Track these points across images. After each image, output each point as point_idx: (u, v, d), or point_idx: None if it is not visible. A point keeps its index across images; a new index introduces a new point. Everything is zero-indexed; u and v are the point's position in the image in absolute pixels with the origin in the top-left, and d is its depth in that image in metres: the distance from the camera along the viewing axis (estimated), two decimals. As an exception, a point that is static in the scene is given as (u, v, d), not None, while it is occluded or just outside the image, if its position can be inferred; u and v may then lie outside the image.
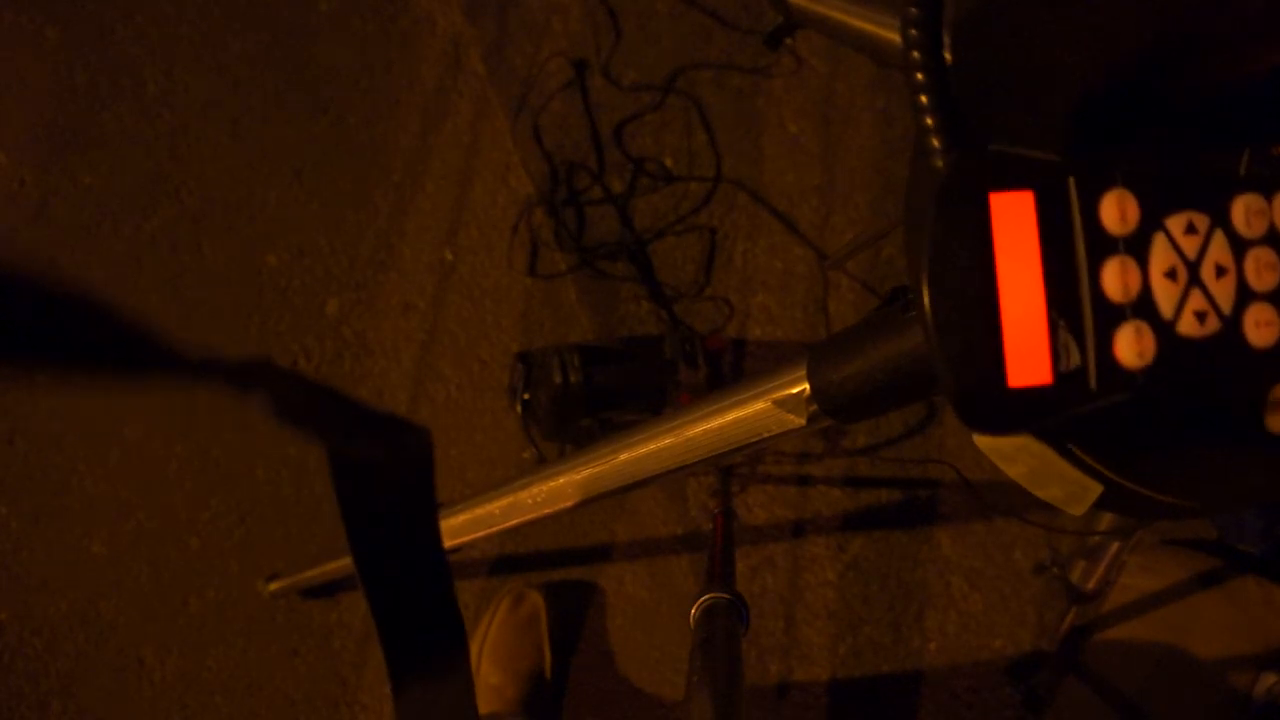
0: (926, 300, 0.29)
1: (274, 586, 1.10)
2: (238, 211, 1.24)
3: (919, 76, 0.29)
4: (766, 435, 0.48)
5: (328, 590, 1.13)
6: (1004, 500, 1.13)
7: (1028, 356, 0.29)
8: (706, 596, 0.65)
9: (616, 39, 1.31)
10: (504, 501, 0.68)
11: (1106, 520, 0.79)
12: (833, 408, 0.43)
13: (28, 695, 1.11)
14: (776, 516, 1.18)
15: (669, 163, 1.27)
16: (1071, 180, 0.29)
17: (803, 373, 0.44)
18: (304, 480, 1.17)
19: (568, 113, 1.28)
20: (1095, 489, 0.33)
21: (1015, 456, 0.34)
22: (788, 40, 1.27)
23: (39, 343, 0.24)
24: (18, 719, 1.11)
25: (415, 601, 0.38)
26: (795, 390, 0.45)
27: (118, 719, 1.12)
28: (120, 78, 1.27)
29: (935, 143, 0.29)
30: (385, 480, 0.36)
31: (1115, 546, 0.84)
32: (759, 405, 0.47)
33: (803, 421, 0.45)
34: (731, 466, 1.17)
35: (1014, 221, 0.28)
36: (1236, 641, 1.03)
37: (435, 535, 0.39)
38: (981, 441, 0.35)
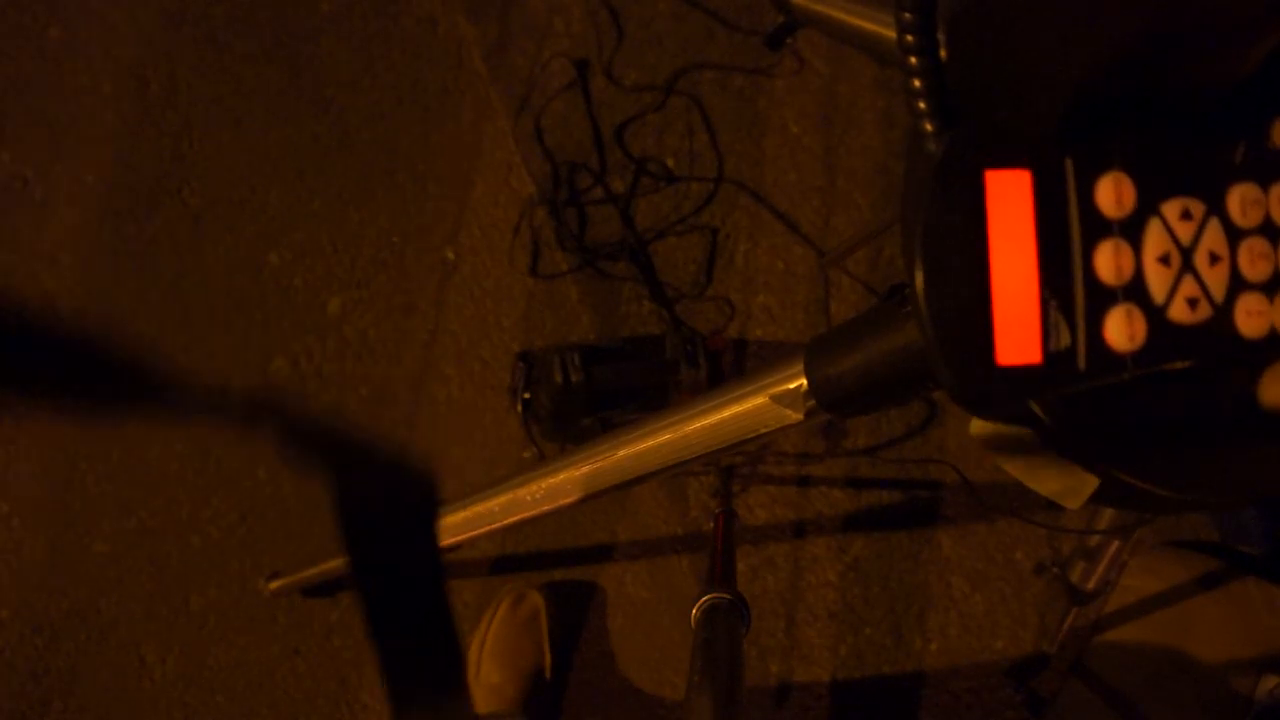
0: (919, 275, 0.29)
1: (275, 585, 1.10)
2: (240, 211, 1.24)
3: (913, 61, 0.29)
4: (765, 430, 0.48)
5: (328, 589, 1.13)
6: (1005, 501, 1.13)
7: (1018, 335, 0.28)
8: (707, 597, 0.65)
9: (618, 39, 1.31)
10: (503, 498, 0.68)
11: (1106, 518, 0.79)
12: (830, 403, 0.43)
13: (29, 693, 1.11)
14: (777, 517, 1.18)
15: (670, 163, 1.28)
16: (1069, 161, 0.29)
17: (800, 368, 0.44)
18: (305, 480, 1.17)
19: (569, 113, 1.28)
20: (1091, 482, 0.32)
21: (1012, 451, 0.34)
22: (789, 40, 1.27)
23: (52, 377, 0.24)
24: (19, 717, 1.11)
25: (414, 629, 0.38)
26: (793, 385, 0.45)
27: (118, 717, 1.12)
28: (123, 77, 1.27)
29: (929, 127, 0.29)
30: (387, 511, 0.36)
31: (1115, 545, 0.84)
32: (757, 400, 0.47)
33: (800, 416, 0.45)
34: (733, 467, 1.17)
35: (1009, 199, 0.28)
36: (1237, 643, 1.02)
37: (437, 563, 0.39)
38: (979, 435, 0.35)
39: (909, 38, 0.29)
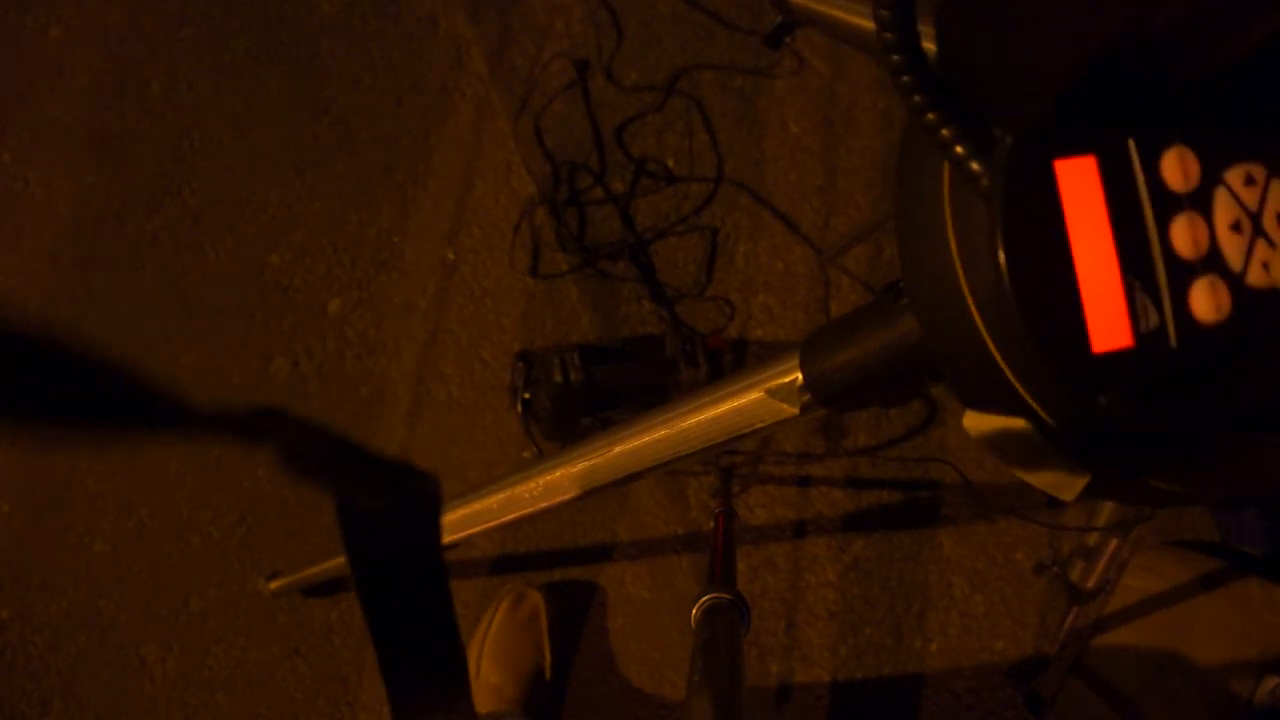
0: (1006, 276, 0.29)
1: (275, 585, 1.10)
2: (240, 211, 1.24)
3: (906, 81, 0.29)
4: (760, 425, 0.47)
5: (329, 589, 1.13)
6: (1005, 501, 1.13)
7: (1108, 320, 0.28)
8: (708, 597, 0.65)
9: (618, 40, 1.31)
10: (501, 496, 0.68)
11: (1106, 516, 0.79)
12: (825, 397, 0.43)
13: (29, 693, 1.11)
14: (778, 517, 1.18)
15: (671, 163, 1.28)
16: (1131, 141, 0.29)
17: (795, 362, 0.44)
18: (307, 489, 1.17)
19: (569, 113, 1.28)
20: (1083, 475, 0.32)
21: (1006, 443, 0.34)
22: (788, 40, 1.27)
23: (47, 404, 0.24)
24: (19, 716, 1.11)
25: (419, 643, 0.38)
26: (788, 379, 0.45)
27: (119, 717, 1.12)
28: (124, 77, 1.27)
29: (972, 161, 0.29)
30: (392, 527, 0.36)
31: (1114, 543, 0.84)
32: (752, 395, 0.47)
33: (796, 410, 0.45)
34: (733, 466, 1.17)
35: (1080, 187, 0.28)
36: (1238, 644, 1.02)
37: (441, 579, 0.39)
38: (973, 429, 0.35)
39: (895, 57, 0.28)
